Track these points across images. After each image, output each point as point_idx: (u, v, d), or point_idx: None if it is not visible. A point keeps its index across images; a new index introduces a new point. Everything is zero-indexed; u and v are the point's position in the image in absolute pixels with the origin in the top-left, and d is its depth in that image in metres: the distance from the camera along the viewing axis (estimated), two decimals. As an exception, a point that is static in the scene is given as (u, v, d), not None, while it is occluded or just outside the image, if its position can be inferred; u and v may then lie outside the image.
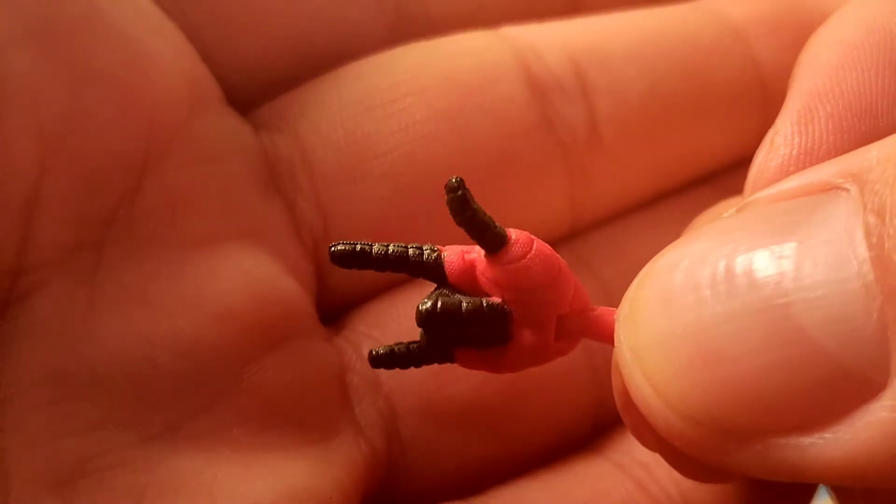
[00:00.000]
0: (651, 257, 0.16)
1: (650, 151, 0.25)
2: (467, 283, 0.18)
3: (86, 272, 0.19)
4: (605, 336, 0.17)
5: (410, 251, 0.18)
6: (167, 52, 0.21)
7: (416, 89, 0.23)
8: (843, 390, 0.14)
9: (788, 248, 0.14)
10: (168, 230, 0.20)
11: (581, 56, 0.24)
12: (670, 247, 0.16)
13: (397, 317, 0.22)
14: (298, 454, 0.20)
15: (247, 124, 0.23)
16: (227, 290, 0.20)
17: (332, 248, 0.18)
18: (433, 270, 0.18)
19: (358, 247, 0.18)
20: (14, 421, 0.18)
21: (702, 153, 0.26)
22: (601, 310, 0.18)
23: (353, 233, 0.21)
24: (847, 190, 0.14)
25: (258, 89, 0.24)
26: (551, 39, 0.24)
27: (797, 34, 0.22)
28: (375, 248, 0.18)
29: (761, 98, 0.26)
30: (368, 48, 0.24)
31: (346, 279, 0.23)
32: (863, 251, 0.13)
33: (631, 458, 0.22)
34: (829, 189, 0.14)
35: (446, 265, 0.18)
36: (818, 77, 0.18)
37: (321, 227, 0.22)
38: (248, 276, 0.21)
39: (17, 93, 0.19)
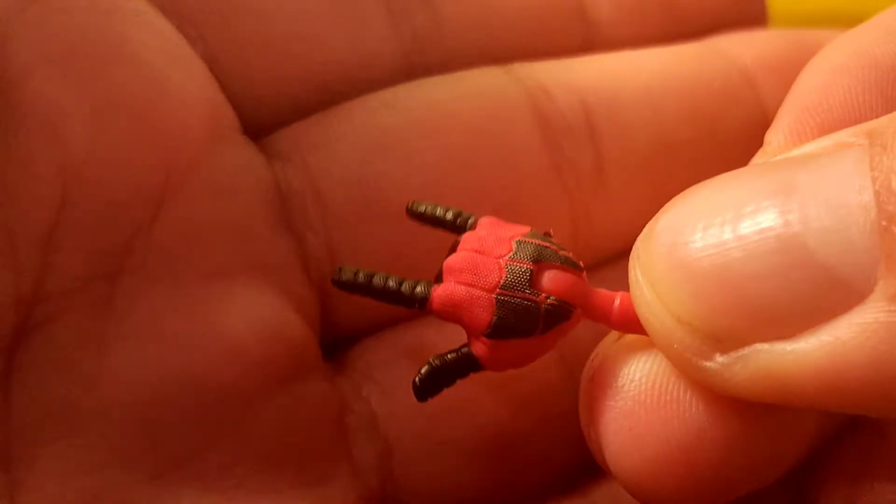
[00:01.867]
0: None
1: (656, 197, 0.25)
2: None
3: (100, 303, 0.20)
4: (604, 311, 0.18)
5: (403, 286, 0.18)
6: (189, 83, 0.22)
7: (429, 131, 0.23)
8: (831, 296, 0.14)
9: (800, 179, 0.15)
10: (181, 263, 0.21)
11: (591, 98, 0.25)
12: (692, 188, 0.17)
13: (400, 355, 0.23)
14: (297, 494, 0.21)
15: (260, 155, 0.23)
16: (237, 328, 0.21)
17: (336, 276, 0.18)
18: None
19: (361, 277, 0.18)
20: (26, 454, 0.19)
21: None
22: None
23: None
24: (860, 145, 0.15)
25: (272, 115, 0.24)
26: (563, 80, 0.25)
27: None
28: (375, 279, 0.18)
29: None
30: (385, 76, 0.24)
31: (349, 315, 0.23)
32: (865, 177, 0.14)
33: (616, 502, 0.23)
34: (844, 147, 0.15)
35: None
36: (807, 95, 0.19)
37: (329, 264, 0.23)
38: (258, 313, 0.21)
39: (42, 120, 0.19)
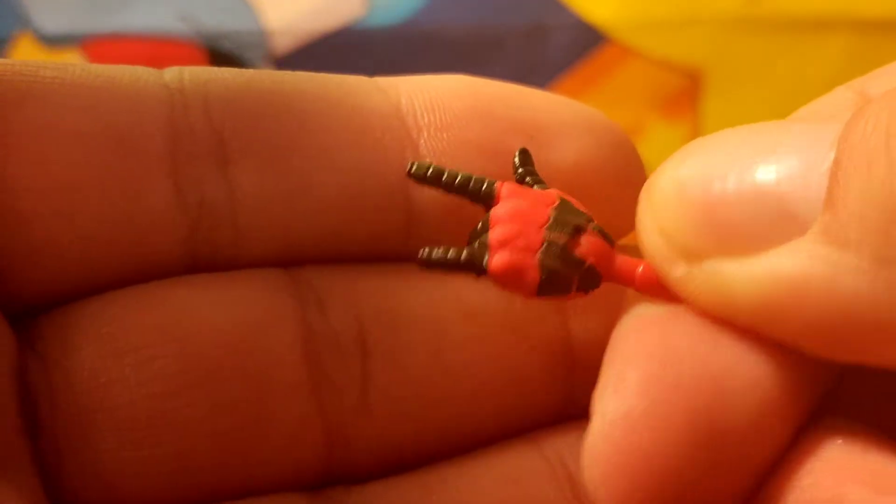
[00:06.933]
0: None
1: (424, 421, 0.24)
2: None
3: None
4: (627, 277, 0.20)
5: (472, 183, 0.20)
6: None
7: (174, 337, 0.22)
8: (781, 224, 0.16)
9: (786, 139, 0.17)
10: None
11: (367, 314, 0.23)
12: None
13: None
14: None
15: (11, 336, 0.21)
16: None
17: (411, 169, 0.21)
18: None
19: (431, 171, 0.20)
20: None
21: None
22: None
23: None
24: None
25: (33, 298, 0.22)
26: (342, 292, 0.24)
27: None
28: (446, 176, 0.20)
29: None
30: (165, 255, 0.22)
31: None
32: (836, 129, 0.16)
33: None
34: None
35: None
36: None
37: (57, 468, 0.21)
38: None
39: None
